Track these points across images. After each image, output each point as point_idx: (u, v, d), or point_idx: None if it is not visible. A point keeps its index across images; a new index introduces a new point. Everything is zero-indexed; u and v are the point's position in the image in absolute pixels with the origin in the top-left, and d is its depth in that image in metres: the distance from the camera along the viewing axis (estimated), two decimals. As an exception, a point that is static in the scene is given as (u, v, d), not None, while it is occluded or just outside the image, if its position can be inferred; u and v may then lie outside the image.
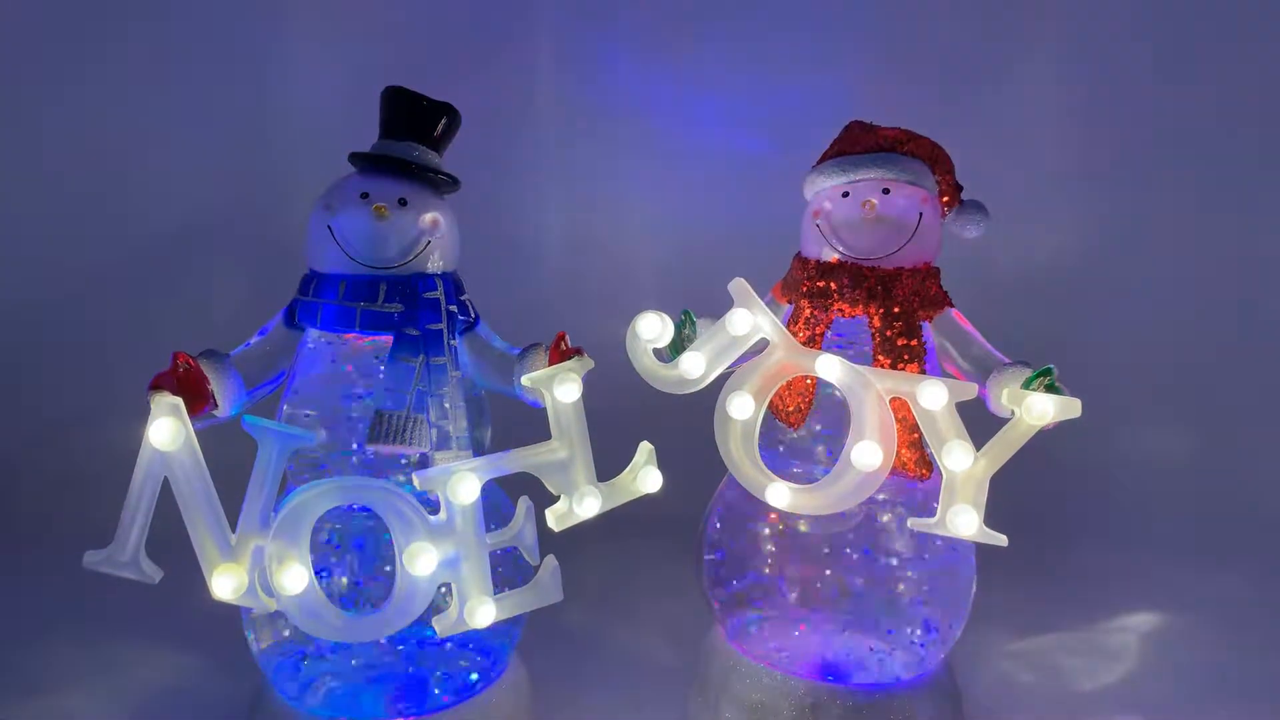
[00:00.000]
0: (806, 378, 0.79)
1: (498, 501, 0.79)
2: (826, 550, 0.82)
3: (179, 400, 0.66)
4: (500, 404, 0.82)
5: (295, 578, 0.66)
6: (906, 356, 0.77)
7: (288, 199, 1.40)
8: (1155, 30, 1.51)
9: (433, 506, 0.70)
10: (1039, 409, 0.70)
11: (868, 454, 0.73)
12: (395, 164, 0.77)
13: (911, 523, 0.75)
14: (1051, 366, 0.73)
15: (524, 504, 0.74)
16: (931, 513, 0.74)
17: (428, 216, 0.76)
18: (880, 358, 0.77)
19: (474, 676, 0.80)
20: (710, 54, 1.52)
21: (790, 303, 0.84)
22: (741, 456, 0.78)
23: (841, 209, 0.80)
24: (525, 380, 0.74)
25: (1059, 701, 0.96)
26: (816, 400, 0.81)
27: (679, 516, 0.93)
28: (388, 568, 0.74)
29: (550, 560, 0.75)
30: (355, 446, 0.75)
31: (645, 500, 0.77)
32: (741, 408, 0.76)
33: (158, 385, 0.67)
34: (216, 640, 0.91)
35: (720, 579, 0.86)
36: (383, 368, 0.75)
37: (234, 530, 0.67)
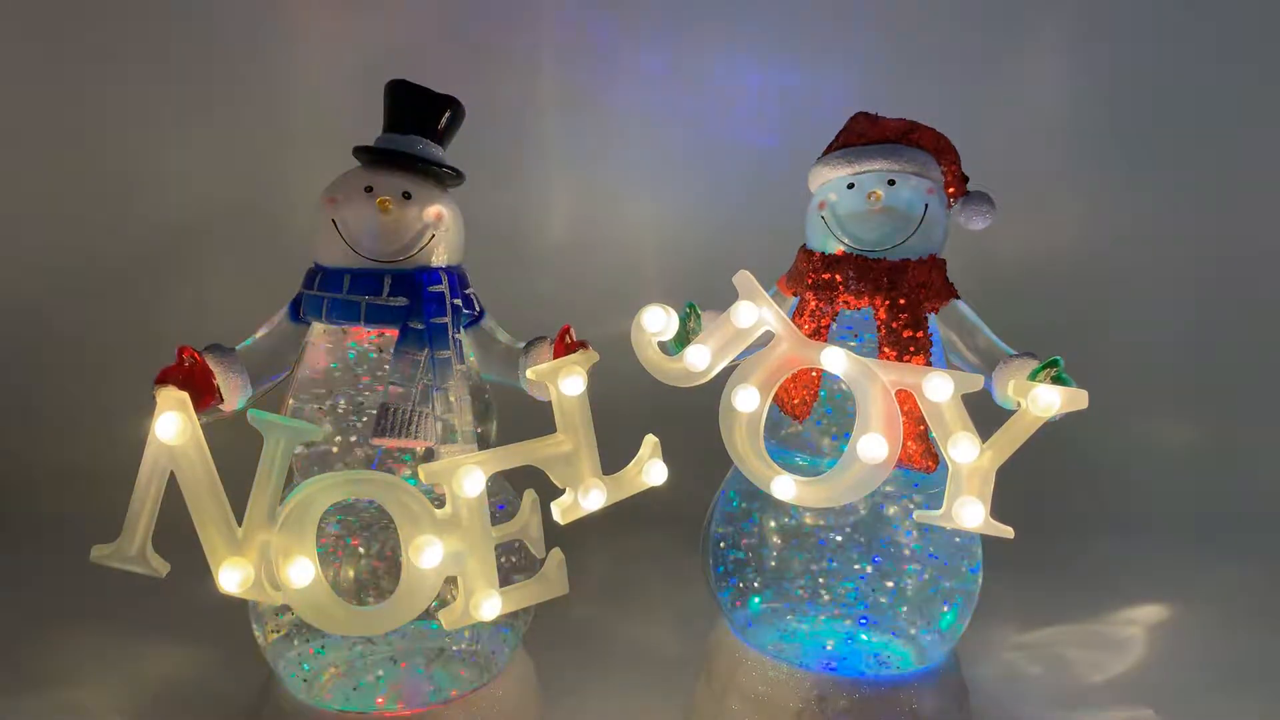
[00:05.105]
0: (812, 370, 0.79)
1: (503, 495, 0.79)
2: (832, 542, 0.82)
3: (185, 395, 0.66)
4: (505, 397, 0.82)
5: (301, 571, 0.67)
6: (912, 348, 0.77)
7: (292, 193, 1.40)
8: (1161, 21, 1.50)
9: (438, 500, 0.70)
10: (1045, 401, 0.70)
11: (874, 446, 0.73)
12: (399, 157, 0.77)
13: (917, 515, 0.75)
14: (1058, 358, 0.72)
15: (530, 497, 0.74)
16: (938, 505, 0.73)
17: (432, 210, 0.75)
18: (886, 350, 0.77)
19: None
20: (715, 46, 1.51)
21: (795, 295, 0.84)
22: (747, 449, 0.77)
23: (847, 201, 0.80)
24: (530, 374, 0.75)
25: (1066, 693, 0.96)
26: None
27: (684, 510, 0.93)
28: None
29: (556, 553, 0.75)
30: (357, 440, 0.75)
31: (651, 493, 0.78)
32: (746, 400, 0.76)
33: (164, 380, 0.67)
34: (224, 633, 0.91)
35: (726, 571, 0.86)
36: (388, 361, 0.75)
37: (240, 524, 0.67)
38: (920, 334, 0.77)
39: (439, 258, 0.77)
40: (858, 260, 0.79)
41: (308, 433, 0.69)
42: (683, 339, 0.79)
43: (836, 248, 0.81)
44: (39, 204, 1.47)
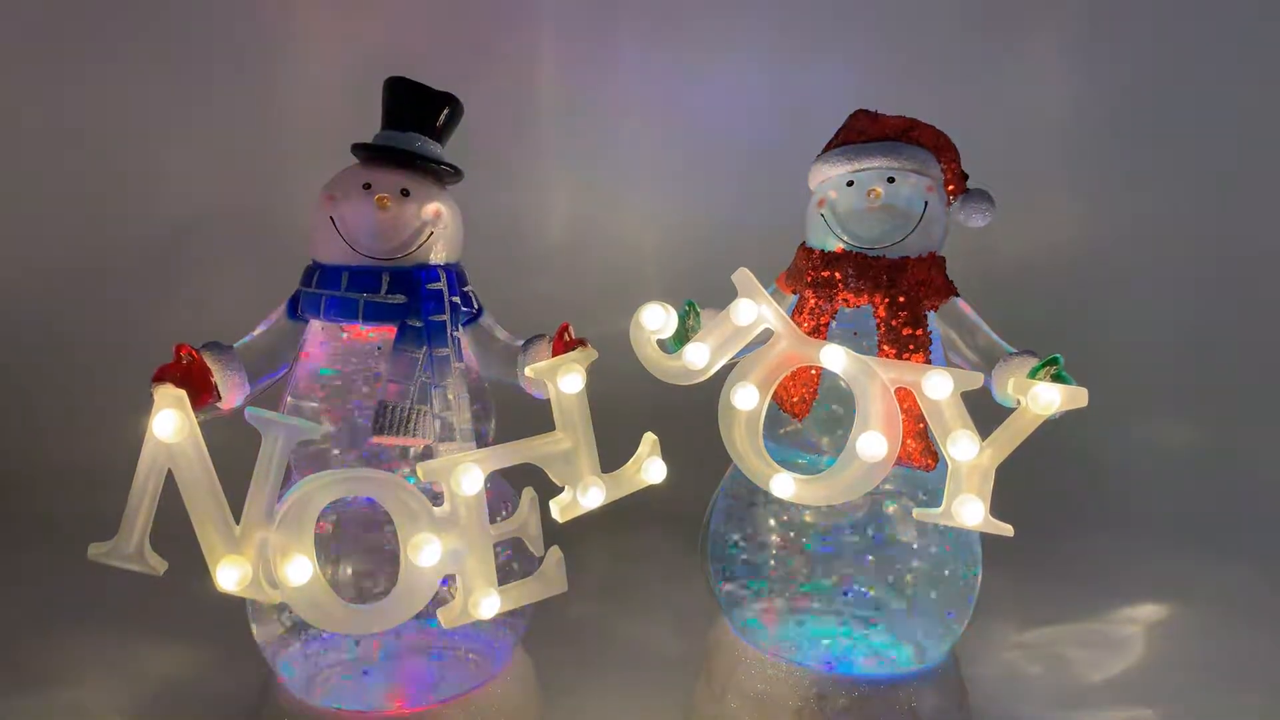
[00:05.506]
0: (811, 368, 0.79)
1: (502, 493, 0.79)
2: (831, 541, 0.82)
3: (182, 392, 0.66)
4: (504, 396, 0.82)
5: (299, 570, 0.66)
6: (912, 346, 0.77)
7: (290, 190, 1.40)
8: (1161, 21, 1.50)
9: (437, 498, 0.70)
10: (1045, 399, 0.70)
11: (873, 444, 0.73)
12: (397, 154, 0.76)
13: (917, 513, 0.75)
14: (1058, 356, 0.72)
15: (529, 495, 0.74)
16: (937, 503, 0.73)
17: (430, 207, 0.75)
18: (885, 347, 0.77)
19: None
20: (715, 43, 1.51)
21: (795, 293, 0.83)
22: (746, 447, 0.77)
23: (846, 198, 0.80)
24: (529, 371, 0.74)
25: (1065, 692, 0.96)
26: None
27: (684, 508, 0.93)
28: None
29: (555, 551, 0.75)
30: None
31: (650, 491, 0.77)
32: (746, 398, 0.76)
33: (161, 377, 0.67)
34: (222, 632, 0.90)
35: (725, 570, 0.86)
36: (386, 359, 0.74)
37: (238, 522, 0.67)
38: (920, 332, 0.77)
39: (437, 255, 0.77)
40: (857, 258, 0.79)
41: (306, 431, 0.69)
42: (682, 337, 0.79)
43: (836, 245, 0.80)
44: (39, 204, 1.47)
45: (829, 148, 0.85)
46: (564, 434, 0.73)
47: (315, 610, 0.68)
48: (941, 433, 0.72)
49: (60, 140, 1.46)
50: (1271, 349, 1.54)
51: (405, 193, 0.75)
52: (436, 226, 0.76)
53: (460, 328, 0.78)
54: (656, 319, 0.76)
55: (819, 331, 0.79)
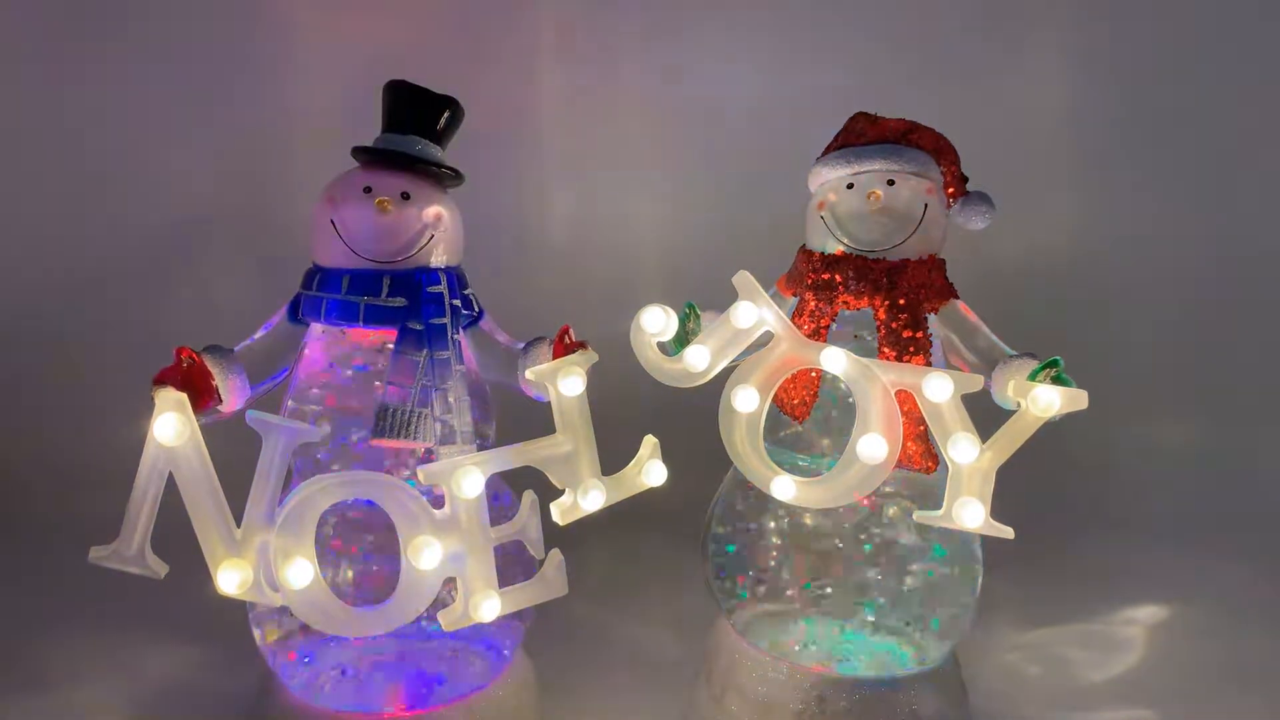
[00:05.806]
0: (811, 371, 0.79)
1: (502, 495, 0.79)
2: (832, 543, 0.82)
3: (183, 395, 0.66)
4: (505, 398, 0.82)
5: (300, 573, 0.66)
6: (912, 349, 0.77)
7: (291, 193, 1.40)
8: (1160, 22, 1.50)
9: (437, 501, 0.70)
10: (1045, 401, 0.70)
11: (873, 447, 0.73)
12: (398, 158, 0.76)
13: (917, 515, 0.75)
14: (1058, 358, 0.72)
15: (529, 498, 0.74)
16: (938, 505, 0.73)
17: (431, 210, 0.75)
18: (886, 350, 0.77)
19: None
20: (714, 45, 1.51)
21: (795, 295, 0.84)
22: (746, 450, 0.77)
23: (846, 201, 0.80)
24: (530, 374, 0.75)
25: (1066, 693, 0.96)
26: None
27: (684, 510, 0.93)
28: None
29: (555, 554, 0.75)
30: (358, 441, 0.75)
31: (650, 494, 0.78)
32: (746, 401, 0.76)
33: (162, 380, 0.67)
34: (222, 632, 0.91)
35: (726, 572, 0.86)
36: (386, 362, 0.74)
37: (239, 525, 0.67)
38: (920, 334, 0.77)
39: (438, 258, 0.77)
40: (857, 260, 0.79)
41: (306, 434, 0.69)
42: (682, 339, 0.79)
43: (836, 248, 0.81)
44: (39, 204, 1.47)
45: (829, 150, 0.85)
46: (564, 436, 0.73)
47: (316, 612, 0.69)
48: (942, 435, 0.72)
49: (60, 140, 1.45)
50: (1271, 349, 1.54)
51: (406, 196, 0.75)
52: (437, 229, 0.76)
53: (461, 330, 0.78)
54: (657, 321, 0.77)
55: (819, 334, 0.79)
